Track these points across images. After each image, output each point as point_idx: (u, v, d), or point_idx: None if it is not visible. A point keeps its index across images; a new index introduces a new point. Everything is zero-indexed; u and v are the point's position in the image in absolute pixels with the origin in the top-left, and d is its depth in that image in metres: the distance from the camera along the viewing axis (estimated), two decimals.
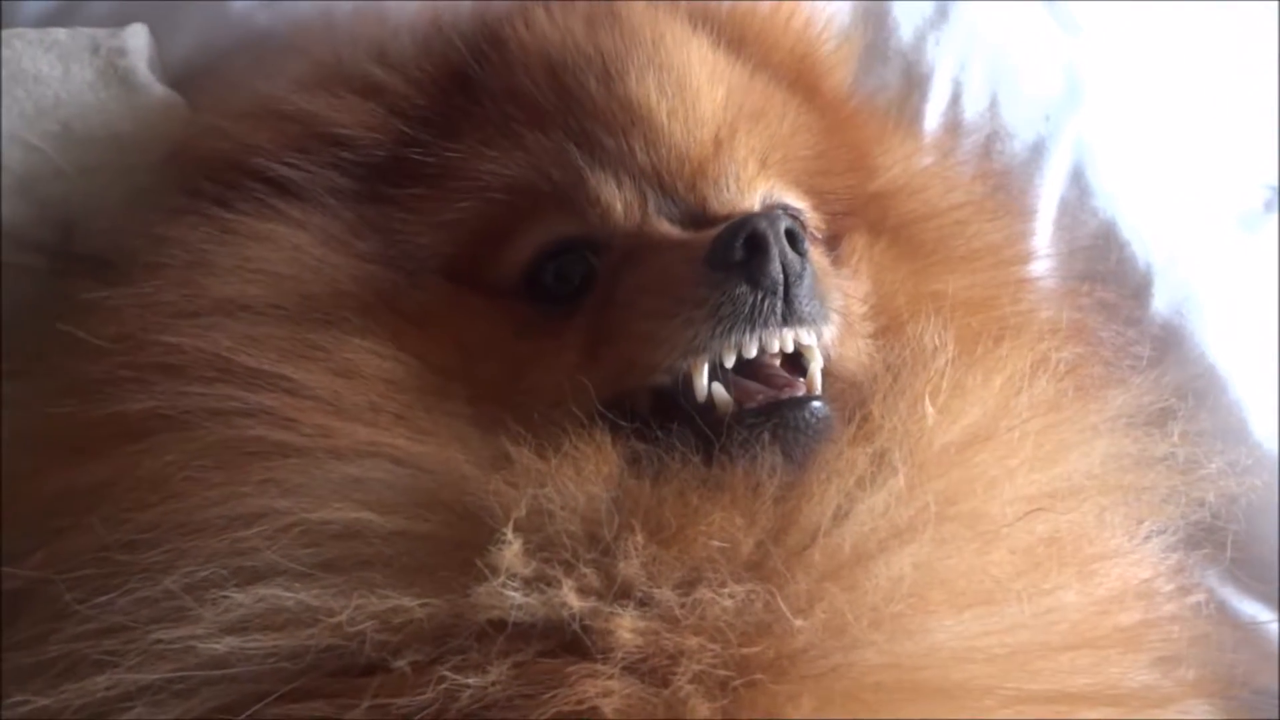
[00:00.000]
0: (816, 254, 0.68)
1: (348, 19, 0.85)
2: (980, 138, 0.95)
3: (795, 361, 0.64)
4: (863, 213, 0.78)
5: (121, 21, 0.82)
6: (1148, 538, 0.71)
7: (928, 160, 0.90)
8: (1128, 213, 0.97)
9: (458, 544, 0.57)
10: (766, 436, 0.60)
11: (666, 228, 0.67)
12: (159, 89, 0.79)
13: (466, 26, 0.80)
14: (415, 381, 0.64)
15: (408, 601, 0.54)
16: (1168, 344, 0.93)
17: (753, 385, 0.62)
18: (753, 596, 0.55)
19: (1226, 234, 1.07)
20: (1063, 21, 1.10)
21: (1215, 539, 0.87)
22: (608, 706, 0.53)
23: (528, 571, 0.55)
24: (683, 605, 0.55)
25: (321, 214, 0.71)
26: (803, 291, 0.62)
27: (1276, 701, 0.87)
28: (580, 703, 0.52)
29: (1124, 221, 0.97)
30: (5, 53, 0.77)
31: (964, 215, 0.85)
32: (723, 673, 0.54)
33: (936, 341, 0.68)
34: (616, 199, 0.69)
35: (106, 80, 0.77)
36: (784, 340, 0.62)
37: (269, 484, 0.59)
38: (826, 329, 0.65)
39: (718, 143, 0.72)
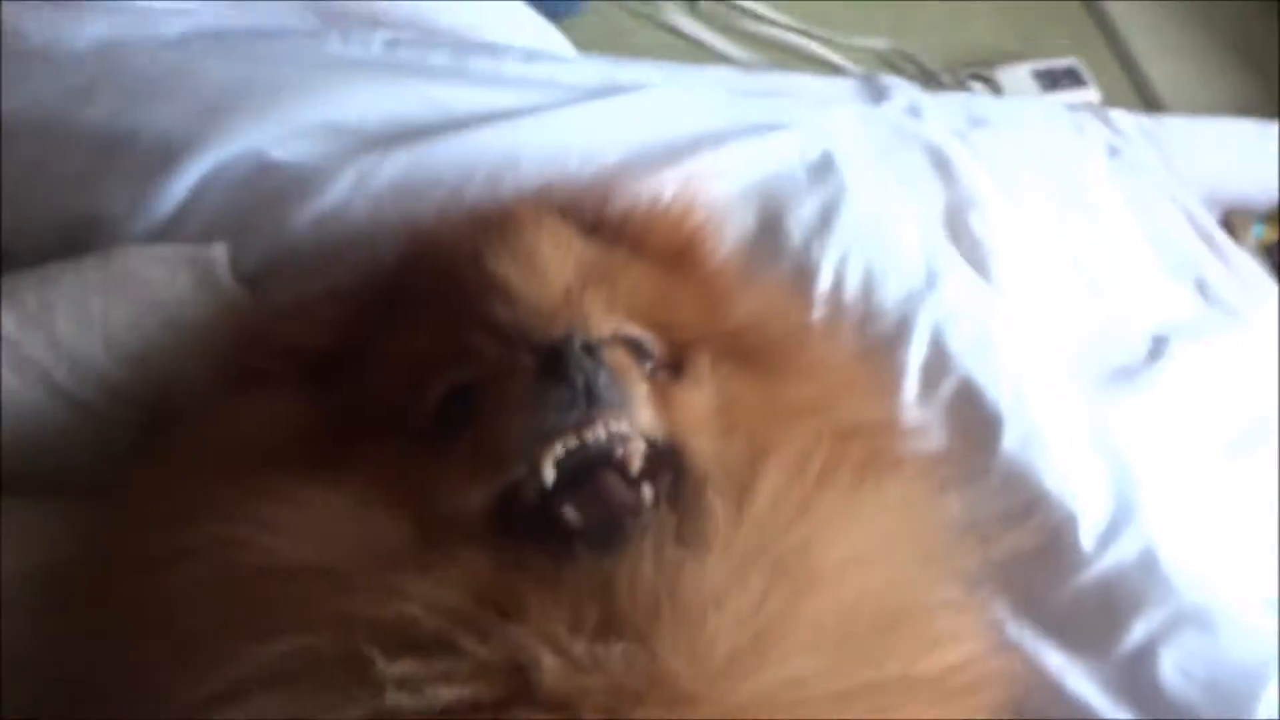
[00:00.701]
0: (624, 360, 0.84)
1: (368, 243, 1.11)
2: (856, 317, 1.19)
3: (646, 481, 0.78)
4: (711, 343, 0.93)
5: (208, 240, 1.09)
6: (958, 593, 0.85)
7: (769, 300, 1.08)
8: (981, 369, 1.18)
9: (354, 659, 0.67)
10: (604, 538, 0.74)
11: (524, 359, 0.82)
12: (238, 291, 1.04)
13: (397, 245, 1.03)
14: (349, 513, 0.78)
15: (345, 710, 0.66)
16: (1012, 475, 1.13)
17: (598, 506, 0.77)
18: (633, 650, 0.67)
19: (1072, 383, 1.28)
20: (961, 201, 1.35)
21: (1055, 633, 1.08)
22: None
23: (409, 674, 0.66)
24: (587, 656, 0.67)
25: (288, 396, 0.92)
26: (601, 384, 0.77)
27: None
28: None
29: (978, 376, 1.18)
30: (124, 264, 1.02)
31: (802, 338, 1.02)
32: (619, 712, 0.66)
33: (759, 439, 0.84)
34: (489, 347, 0.84)
35: (201, 284, 1.01)
36: (596, 430, 0.77)
37: (246, 608, 0.72)
38: (637, 413, 0.80)
39: (567, 297, 0.87)
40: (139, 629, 0.77)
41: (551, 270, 0.91)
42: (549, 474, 0.79)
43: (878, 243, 1.26)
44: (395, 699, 0.67)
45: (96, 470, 0.98)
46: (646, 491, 0.80)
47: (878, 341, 1.19)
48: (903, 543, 0.82)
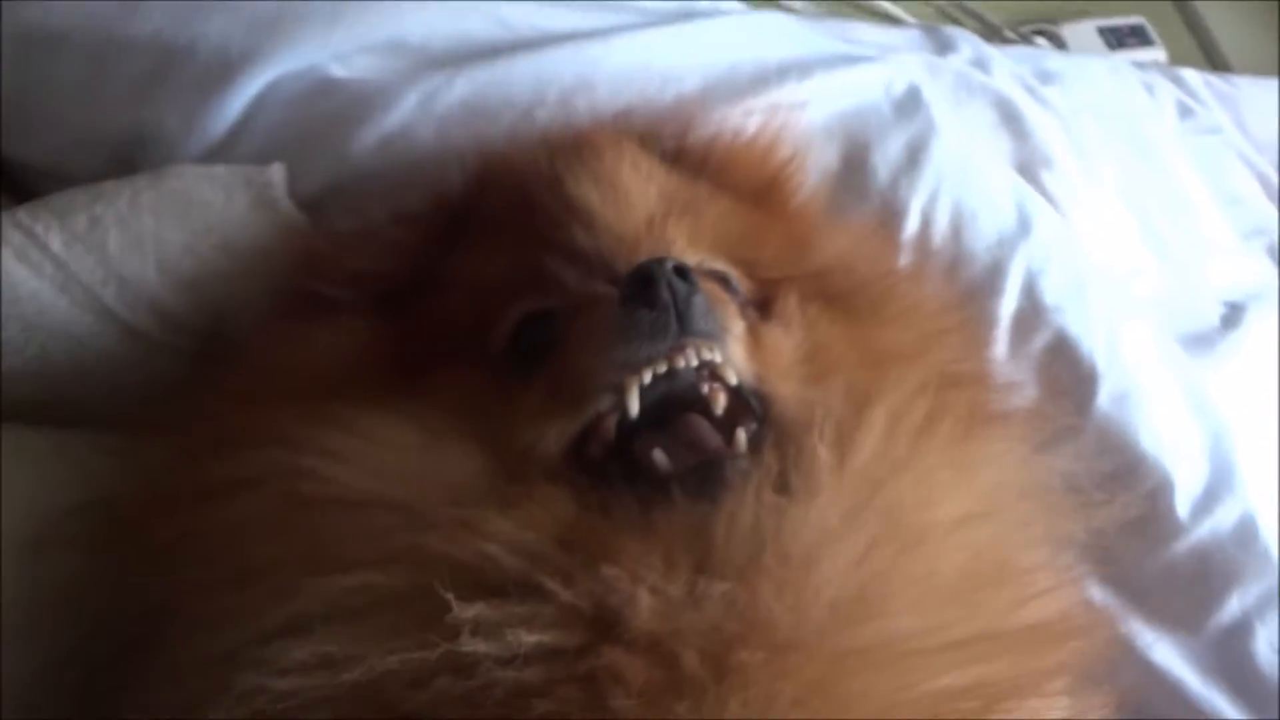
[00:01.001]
0: (716, 290, 0.81)
1: (434, 166, 1.05)
2: (946, 259, 1.14)
3: (729, 426, 0.75)
4: (796, 285, 0.90)
5: (265, 162, 1.04)
6: (1054, 552, 0.82)
7: (857, 242, 1.04)
8: (1075, 321, 1.13)
9: (426, 599, 0.64)
10: (697, 487, 0.70)
11: (605, 289, 0.79)
12: (295, 213, 0.99)
13: (466, 168, 0.99)
14: (419, 443, 0.75)
15: (414, 653, 0.62)
16: (1106, 433, 1.08)
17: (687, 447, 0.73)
18: (734, 592, 0.64)
19: (1169, 343, 1.23)
20: (1032, 157, 1.29)
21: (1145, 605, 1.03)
22: (630, 677, 0.61)
23: (485, 618, 0.63)
24: (685, 596, 0.64)
25: (357, 322, 0.88)
26: (694, 310, 0.73)
27: None
28: (603, 674, 0.62)
29: (1072, 328, 1.12)
30: (178, 183, 0.98)
31: (892, 283, 0.98)
32: (718, 653, 0.63)
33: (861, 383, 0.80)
34: (568, 275, 0.82)
35: (257, 206, 0.97)
36: (688, 356, 0.73)
37: (310, 540, 0.69)
38: (730, 346, 0.76)
39: (650, 225, 0.84)
40: (197, 561, 0.74)
41: (634, 197, 0.87)
42: (634, 405, 0.74)
43: (967, 184, 1.20)
44: (471, 644, 0.63)
45: (147, 400, 0.93)
46: (741, 436, 0.75)
47: (967, 288, 1.14)
48: (1006, 500, 0.81)
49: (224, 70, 1.06)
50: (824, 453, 0.74)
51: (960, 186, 1.18)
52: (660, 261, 0.74)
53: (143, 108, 1.06)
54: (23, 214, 0.94)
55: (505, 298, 0.85)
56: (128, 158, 1.07)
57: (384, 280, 0.91)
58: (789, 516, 0.69)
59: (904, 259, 1.10)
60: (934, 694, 0.65)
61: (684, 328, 0.73)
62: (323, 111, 1.08)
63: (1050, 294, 1.15)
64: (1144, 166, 1.56)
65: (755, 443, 0.75)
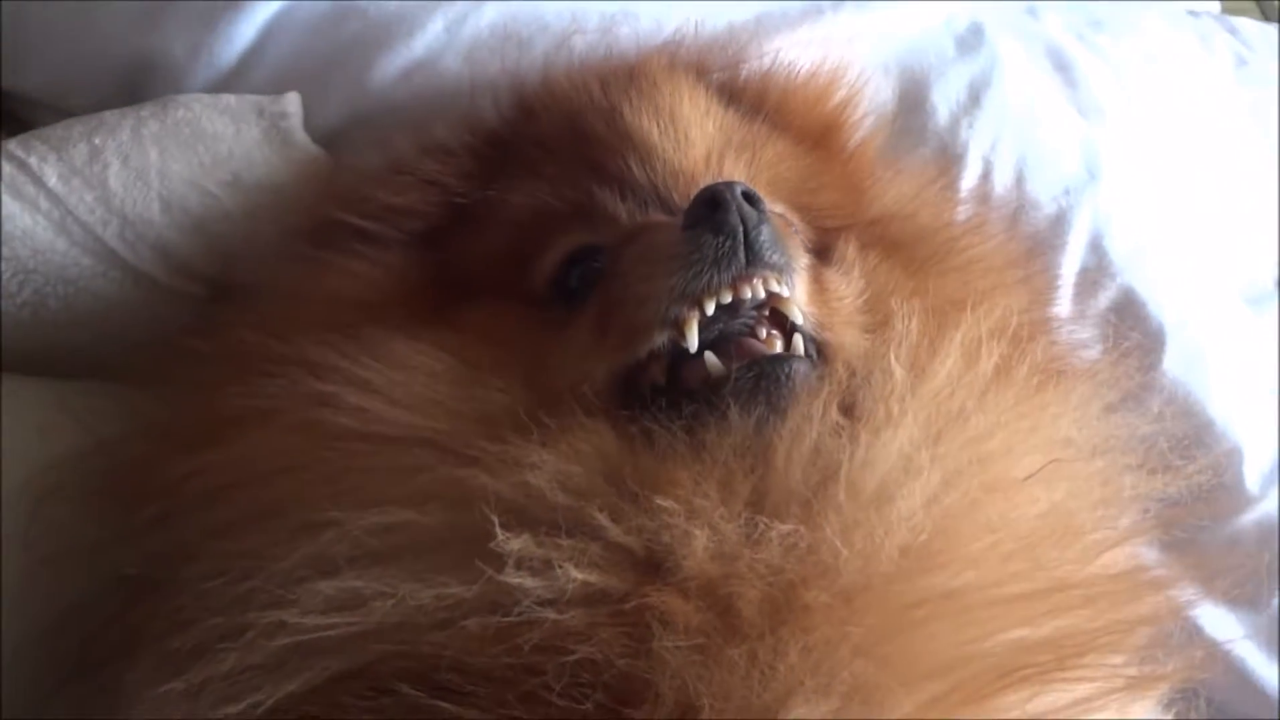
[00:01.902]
0: (782, 225, 0.75)
1: (464, 97, 0.98)
2: (1009, 208, 1.06)
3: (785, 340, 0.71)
4: (856, 231, 0.86)
5: (279, 91, 0.97)
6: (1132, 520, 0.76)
7: (918, 189, 0.97)
8: (1143, 279, 1.07)
9: (466, 533, 0.61)
10: (752, 388, 0.66)
11: (662, 219, 0.76)
12: (312, 147, 0.93)
13: (501, 96, 0.94)
14: (454, 374, 0.72)
15: (451, 589, 0.59)
16: (1174, 396, 1.03)
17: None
18: (796, 533, 0.60)
19: (1234, 303, 1.17)
20: (1084, 107, 1.22)
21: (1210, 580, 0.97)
22: (681, 621, 0.57)
23: (531, 553, 0.59)
24: (741, 535, 0.60)
25: (390, 255, 0.84)
26: (764, 239, 0.69)
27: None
28: (652, 617, 0.58)
29: (1140, 286, 1.06)
30: (185, 113, 0.91)
31: (955, 234, 0.92)
32: (776, 598, 0.58)
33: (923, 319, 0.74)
34: (620, 209, 0.78)
35: (270, 138, 0.90)
36: (755, 287, 0.69)
37: (336, 475, 0.66)
38: (795, 280, 0.71)
39: (708, 161, 0.81)
40: (210, 500, 0.69)
41: (693, 132, 0.82)
42: (693, 338, 0.69)
43: (1033, 128, 1.12)
44: (516, 577, 0.58)
45: (153, 350, 0.86)
46: (799, 339, 0.71)
47: (1031, 239, 1.06)
48: (1080, 455, 0.75)
49: None
50: (900, 373, 0.68)
51: (1025, 131, 1.11)
52: (730, 185, 0.69)
53: (147, 34, 0.99)
54: (14, 145, 0.87)
55: (550, 231, 0.80)
56: (131, 88, 1.00)
57: (418, 215, 0.86)
58: (860, 443, 0.63)
59: (965, 208, 1.03)
60: (1005, 647, 0.61)
61: (751, 257, 0.68)
62: (341, 38, 1.00)
63: (1117, 249, 1.08)
64: (1196, 117, 1.47)
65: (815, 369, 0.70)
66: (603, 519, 0.61)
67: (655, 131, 0.81)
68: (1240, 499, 1.01)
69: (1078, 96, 1.26)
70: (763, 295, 0.69)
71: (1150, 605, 0.71)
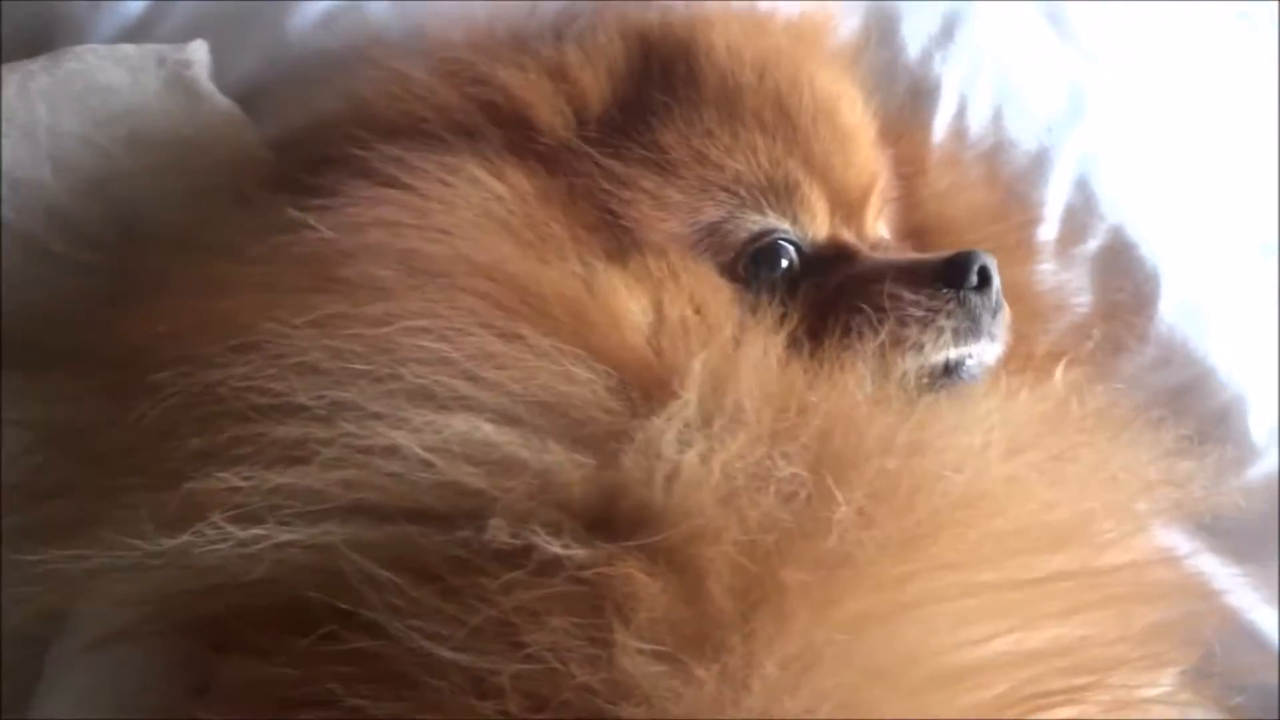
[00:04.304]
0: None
1: (402, 43, 0.91)
2: (986, 147, 0.99)
3: None
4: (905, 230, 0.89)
5: (187, 41, 0.89)
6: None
7: (945, 179, 0.96)
8: (1135, 219, 1.00)
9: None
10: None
11: (878, 244, 0.81)
12: (219, 98, 0.85)
13: (651, 26, 0.86)
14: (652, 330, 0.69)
15: (574, 459, 0.58)
16: (1172, 345, 0.96)
17: None
18: (798, 479, 0.58)
19: (1235, 247, 1.10)
20: (1076, 49, 1.15)
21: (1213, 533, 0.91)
22: (641, 603, 0.54)
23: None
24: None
25: (516, 171, 0.76)
26: (997, 318, 0.76)
27: (1277, 698, 0.88)
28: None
29: (1132, 227, 1.00)
30: (76, 65, 0.83)
31: (973, 221, 0.92)
32: (750, 570, 0.55)
33: None
34: (822, 209, 0.80)
35: (172, 90, 0.83)
36: (985, 353, 0.76)
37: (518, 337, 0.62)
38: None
39: (874, 178, 0.84)
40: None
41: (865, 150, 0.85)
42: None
43: (1012, 63, 1.04)
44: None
45: (62, 325, 0.79)
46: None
47: (1010, 180, 0.98)
48: (1089, 441, 0.72)
49: None
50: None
51: (1004, 66, 1.03)
52: (991, 259, 0.77)
53: None
54: None
55: (739, 201, 0.78)
56: (35, 47, 0.92)
57: (550, 129, 0.79)
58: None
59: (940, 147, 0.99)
60: (1014, 659, 0.57)
61: (993, 332, 0.77)
62: None
63: (1106, 186, 1.01)
64: (1205, 62, 1.39)
65: None
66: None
67: (861, 135, 0.83)
68: (1245, 450, 0.95)
69: (1069, 41, 1.19)
70: (986, 360, 0.77)
71: (1182, 606, 0.69)
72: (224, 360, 0.60)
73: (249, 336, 0.61)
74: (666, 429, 0.59)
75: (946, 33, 1.03)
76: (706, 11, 0.86)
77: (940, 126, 1.00)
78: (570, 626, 0.53)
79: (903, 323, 0.74)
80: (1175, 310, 0.98)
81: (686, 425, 0.59)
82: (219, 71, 0.90)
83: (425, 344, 0.60)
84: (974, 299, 0.75)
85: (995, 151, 1.00)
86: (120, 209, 0.82)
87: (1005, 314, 0.78)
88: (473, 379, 0.60)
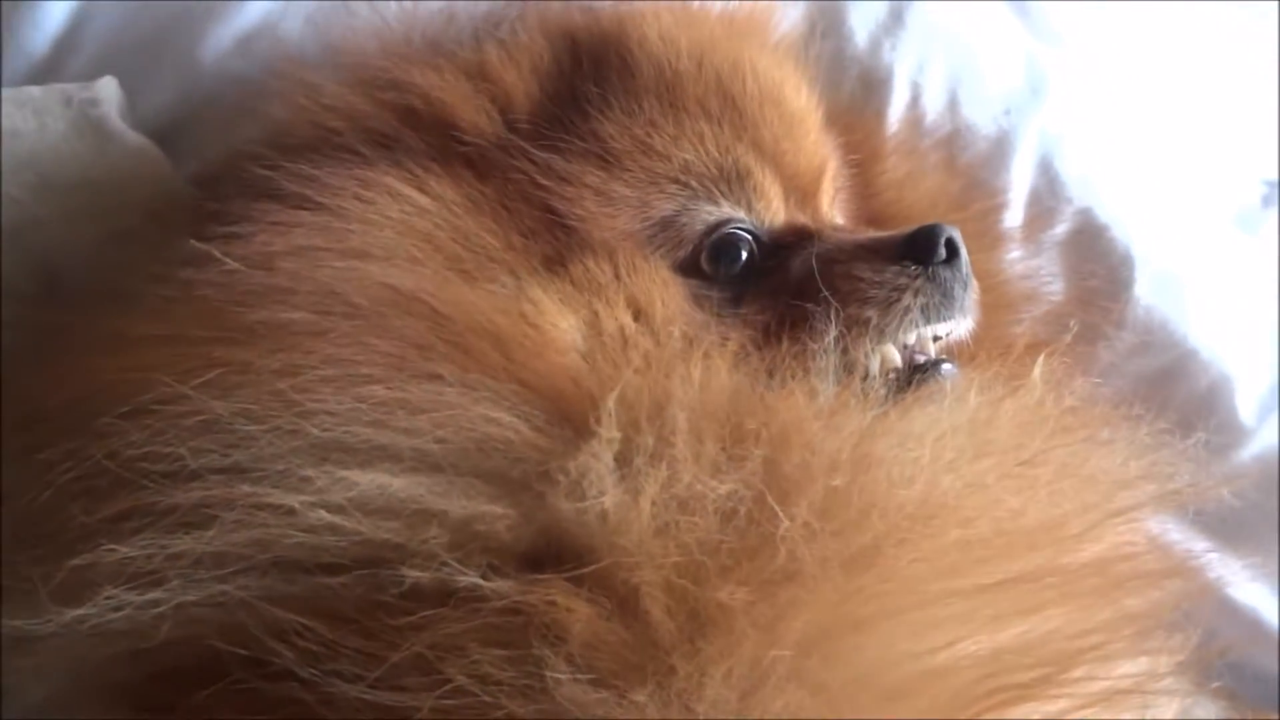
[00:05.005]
0: None
1: (318, 61, 0.87)
2: (943, 134, 0.96)
3: None
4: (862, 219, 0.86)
5: (97, 78, 0.85)
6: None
7: (905, 167, 0.93)
8: (1104, 199, 0.97)
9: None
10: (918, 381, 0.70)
11: (837, 227, 0.78)
12: (132, 136, 0.81)
13: (576, 23, 0.83)
14: (587, 346, 0.66)
15: (495, 510, 0.54)
16: (1150, 327, 0.93)
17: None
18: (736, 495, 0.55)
19: (1211, 223, 1.06)
20: (1036, 29, 1.12)
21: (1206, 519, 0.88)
22: (572, 630, 0.52)
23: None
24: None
25: (440, 179, 0.72)
26: (968, 289, 0.74)
27: (1276, 685, 0.86)
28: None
29: (1101, 208, 0.97)
30: None
31: (933, 209, 0.88)
32: (689, 591, 0.53)
33: None
34: (776, 195, 0.76)
35: (80, 130, 0.79)
36: (955, 327, 0.74)
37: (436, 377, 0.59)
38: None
39: (824, 161, 0.81)
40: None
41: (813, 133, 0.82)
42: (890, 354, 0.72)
43: (965, 43, 1.00)
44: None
45: None
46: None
47: (971, 166, 0.95)
48: (1036, 459, 0.67)
49: None
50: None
51: (957, 47, 1.00)
52: (956, 231, 0.74)
53: None
54: None
55: (689, 192, 0.75)
56: None
57: (478, 131, 0.75)
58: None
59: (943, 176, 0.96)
60: (973, 660, 0.55)
61: (964, 306, 0.75)
62: (165, 8, 0.88)
63: (1070, 171, 0.97)
64: (1177, 36, 1.36)
65: None
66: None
67: (811, 118, 0.80)
68: (1234, 432, 0.92)
69: (1030, 22, 1.16)
70: (959, 336, 0.75)
71: (1160, 593, 0.66)
72: (116, 429, 0.57)
73: (144, 399, 0.57)
74: (592, 466, 0.55)
75: (895, 18, 1.00)
76: (634, 6, 0.83)
77: (895, 115, 0.97)
78: (497, 658, 0.51)
79: (862, 304, 0.71)
80: (1152, 292, 0.94)
81: (614, 460, 0.56)
82: (133, 107, 0.86)
83: (332, 395, 0.56)
84: (943, 272, 0.72)
85: (953, 137, 0.97)
86: (36, 260, 0.77)
87: (975, 287, 0.75)
88: (385, 428, 0.56)
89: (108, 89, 0.82)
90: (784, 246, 0.76)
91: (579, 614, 0.52)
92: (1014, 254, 0.93)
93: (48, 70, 0.88)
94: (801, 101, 0.81)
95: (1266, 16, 1.47)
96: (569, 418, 0.58)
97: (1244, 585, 0.88)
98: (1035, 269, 0.93)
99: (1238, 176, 1.21)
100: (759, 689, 0.51)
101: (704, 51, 0.78)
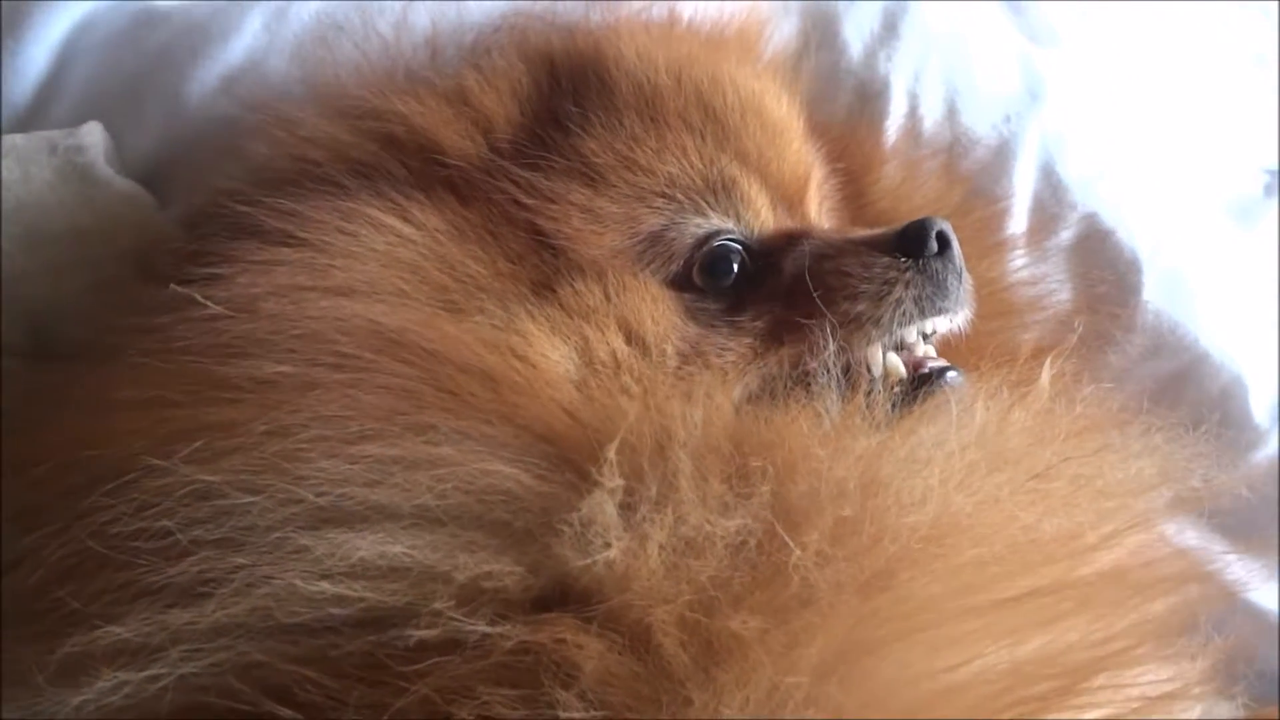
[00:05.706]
0: None
1: (304, 98, 0.86)
2: (942, 145, 0.95)
3: None
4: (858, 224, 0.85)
5: (82, 123, 0.83)
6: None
7: (901, 175, 0.92)
8: (1108, 203, 0.96)
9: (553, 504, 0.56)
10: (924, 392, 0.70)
11: (828, 229, 0.77)
12: (119, 181, 0.80)
13: (552, 45, 0.82)
14: (579, 375, 0.66)
15: (502, 566, 0.53)
16: (1160, 330, 0.92)
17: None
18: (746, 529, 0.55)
19: (1216, 220, 1.05)
20: (1034, 32, 1.10)
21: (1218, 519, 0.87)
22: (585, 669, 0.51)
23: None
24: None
25: (423, 207, 0.71)
26: (963, 281, 0.74)
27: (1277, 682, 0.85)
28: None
29: (1105, 211, 0.95)
30: None
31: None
32: (701, 623, 0.52)
33: None
34: (764, 203, 0.76)
35: (65, 178, 0.77)
36: (952, 321, 0.74)
37: (429, 428, 0.57)
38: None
39: (809, 169, 0.81)
40: None
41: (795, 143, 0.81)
42: (894, 361, 0.72)
43: (961, 50, 0.99)
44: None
45: None
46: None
47: (972, 174, 0.94)
48: (1048, 473, 0.66)
49: (15, 12, 0.85)
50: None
51: (953, 55, 0.98)
52: (947, 223, 0.74)
53: None
54: None
55: (676, 206, 0.74)
56: None
57: (462, 155, 0.74)
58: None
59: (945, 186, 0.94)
60: (993, 674, 0.54)
61: (960, 298, 0.75)
62: (148, 51, 0.87)
63: (1073, 176, 0.96)
64: (1174, 29, 1.35)
65: None
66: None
67: (794, 127, 0.79)
68: (1248, 434, 0.91)
69: (1024, 22, 1.14)
70: (956, 329, 0.75)
71: (1180, 598, 0.65)
72: (101, 506, 0.55)
73: (127, 472, 0.55)
74: (597, 517, 0.54)
75: (889, 28, 0.98)
76: (610, 26, 0.83)
77: (892, 127, 0.95)
78: (507, 698, 0.50)
79: (853, 299, 0.71)
80: (1160, 295, 0.93)
81: (618, 508, 0.55)
82: (119, 151, 0.85)
83: (324, 457, 0.55)
84: (935, 264, 0.72)
85: (953, 147, 0.95)
86: (23, 312, 0.76)
87: (969, 280, 0.75)
88: (381, 486, 0.54)
89: (93, 134, 0.80)
90: (776, 250, 0.76)
91: (590, 650, 0.51)
92: (1019, 261, 0.92)
93: (31, 118, 0.86)
94: (783, 111, 0.80)
95: (1267, 14, 1.46)
96: (568, 459, 0.57)
97: (1259, 585, 0.86)
98: (1041, 275, 0.92)
99: (1238, 166, 1.20)
100: (776, 715, 0.50)
101: (682, 66, 0.78)
